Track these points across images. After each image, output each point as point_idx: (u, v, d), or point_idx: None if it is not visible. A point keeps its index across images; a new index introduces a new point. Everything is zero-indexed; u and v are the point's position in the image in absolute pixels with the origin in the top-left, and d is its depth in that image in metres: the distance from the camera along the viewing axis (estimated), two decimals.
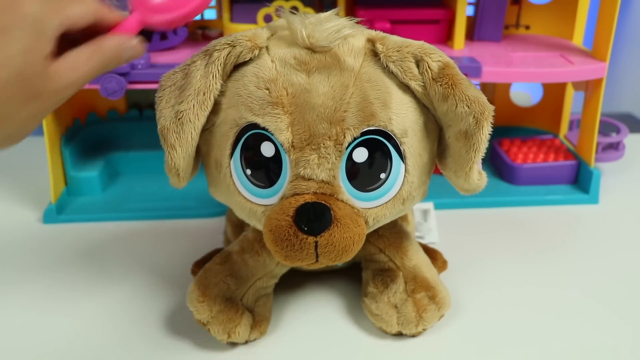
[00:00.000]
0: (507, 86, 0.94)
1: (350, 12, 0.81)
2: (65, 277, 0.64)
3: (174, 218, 0.75)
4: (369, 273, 0.57)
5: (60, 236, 0.72)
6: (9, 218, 0.76)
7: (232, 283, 0.53)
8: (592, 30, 0.77)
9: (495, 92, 0.94)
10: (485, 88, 0.95)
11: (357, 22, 0.49)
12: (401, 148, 0.47)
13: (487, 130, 0.47)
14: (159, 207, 0.76)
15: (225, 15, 0.77)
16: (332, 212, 0.45)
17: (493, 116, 0.47)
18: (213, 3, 0.86)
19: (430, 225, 0.71)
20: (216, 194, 0.52)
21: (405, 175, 0.48)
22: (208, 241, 0.68)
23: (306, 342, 0.54)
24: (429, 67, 0.46)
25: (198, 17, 0.86)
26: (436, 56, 0.47)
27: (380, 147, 0.47)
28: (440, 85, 0.46)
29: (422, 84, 0.47)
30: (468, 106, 0.46)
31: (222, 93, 0.48)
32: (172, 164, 0.48)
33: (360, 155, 0.46)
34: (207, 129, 0.49)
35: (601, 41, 0.74)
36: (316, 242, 0.45)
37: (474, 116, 0.46)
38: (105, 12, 0.43)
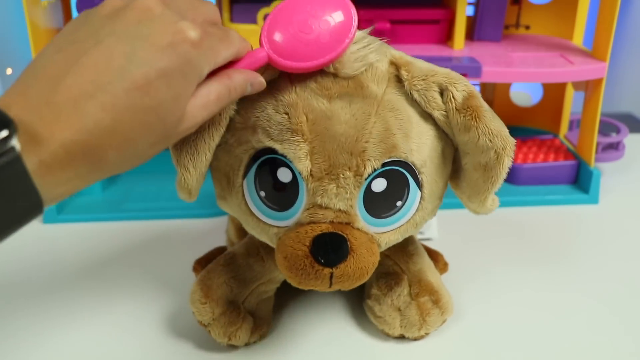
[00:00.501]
0: (507, 86, 0.94)
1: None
2: (65, 277, 0.64)
3: (174, 218, 0.75)
4: (373, 276, 0.57)
5: (60, 236, 0.72)
6: None
7: (235, 286, 0.53)
8: (592, 30, 0.77)
9: (495, 92, 0.94)
10: (485, 88, 0.95)
11: (361, 27, 0.49)
12: (419, 177, 0.46)
13: (507, 164, 0.46)
14: (159, 207, 0.76)
15: (225, 15, 0.77)
16: (348, 243, 0.44)
17: (514, 151, 0.46)
18: (212, 3, 0.85)
19: (431, 220, 0.71)
20: (225, 207, 0.50)
21: (420, 202, 0.47)
22: (208, 241, 0.67)
23: (307, 344, 0.54)
24: (453, 97, 0.45)
25: None
26: (461, 86, 0.45)
27: (399, 177, 0.46)
28: (464, 116, 0.45)
29: (445, 112, 0.46)
30: (490, 140, 0.45)
31: (236, 111, 0.46)
32: (185, 185, 0.46)
33: (379, 185, 0.45)
34: (219, 146, 0.47)
35: (601, 41, 0.74)
36: (331, 273, 0.44)
37: (495, 151, 0.45)
38: (243, 51, 0.42)
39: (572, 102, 0.89)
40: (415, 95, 0.46)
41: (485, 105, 0.46)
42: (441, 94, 0.46)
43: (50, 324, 0.57)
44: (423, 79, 0.46)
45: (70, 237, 0.72)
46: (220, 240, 0.68)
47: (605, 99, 0.76)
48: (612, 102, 1.16)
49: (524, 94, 1.03)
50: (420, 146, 0.46)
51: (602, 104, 0.74)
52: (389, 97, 0.45)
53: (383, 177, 0.45)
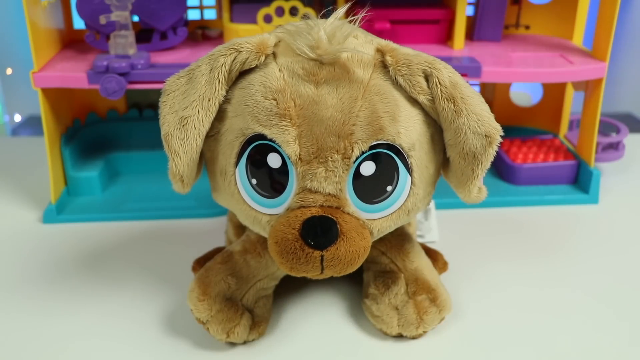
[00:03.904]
0: (507, 86, 0.94)
1: (350, 12, 0.81)
2: (65, 277, 0.64)
3: (174, 218, 0.75)
4: (370, 274, 0.57)
5: (60, 236, 0.72)
6: (9, 218, 0.76)
7: (232, 283, 0.53)
8: (592, 30, 0.77)
9: (495, 92, 0.94)
10: (485, 88, 0.95)
11: (361, 26, 0.49)
12: (408, 161, 0.47)
13: (493, 150, 0.47)
14: (159, 207, 0.76)
15: (225, 15, 0.77)
16: (338, 225, 0.45)
17: (502, 136, 0.47)
18: (213, 3, 0.86)
19: (431, 224, 0.71)
20: (219, 199, 0.52)
21: (411, 187, 0.48)
22: (208, 241, 0.68)
23: (305, 343, 0.54)
24: (438, 82, 0.46)
25: (197, 17, 0.86)
26: (446, 72, 0.46)
27: (387, 160, 0.46)
28: (449, 101, 0.46)
29: (431, 97, 0.47)
30: (476, 125, 0.46)
31: (228, 100, 0.48)
32: (177, 170, 0.47)
33: (368, 168, 0.46)
34: (211, 136, 0.48)
35: (601, 41, 0.74)
36: (322, 256, 0.44)
37: (481, 135, 0.46)
38: None
39: (572, 102, 0.89)
40: (400, 81, 0.47)
41: (471, 90, 0.47)
42: (426, 79, 0.47)
43: (50, 323, 0.57)
44: (407, 65, 0.46)
45: (70, 237, 0.72)
46: (220, 240, 0.68)
47: (605, 99, 0.76)
48: (612, 102, 1.16)
49: (524, 94, 1.03)
50: (408, 130, 0.47)
51: (602, 104, 0.75)
52: (375, 81, 0.46)
53: (371, 160, 0.46)
